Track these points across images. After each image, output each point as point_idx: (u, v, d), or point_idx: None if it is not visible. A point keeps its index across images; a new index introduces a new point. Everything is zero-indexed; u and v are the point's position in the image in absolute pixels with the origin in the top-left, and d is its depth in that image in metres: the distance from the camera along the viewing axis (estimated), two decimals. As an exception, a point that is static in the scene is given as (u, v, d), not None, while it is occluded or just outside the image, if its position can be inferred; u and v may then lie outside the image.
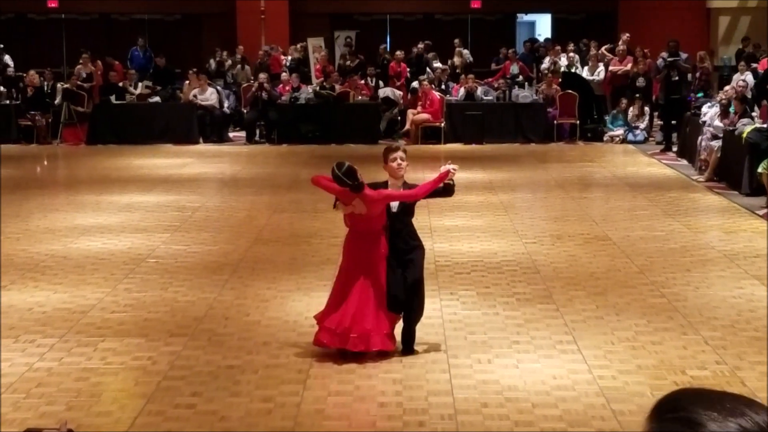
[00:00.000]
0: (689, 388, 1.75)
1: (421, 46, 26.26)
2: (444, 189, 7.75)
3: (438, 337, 7.90)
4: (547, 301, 8.95)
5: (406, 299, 7.46)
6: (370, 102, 23.25)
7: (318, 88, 23.42)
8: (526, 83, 23.84)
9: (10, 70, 24.64)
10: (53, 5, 29.56)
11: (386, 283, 7.40)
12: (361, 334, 7.30)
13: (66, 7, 29.76)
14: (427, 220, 12.94)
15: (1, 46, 25.54)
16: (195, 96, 22.81)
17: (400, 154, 7.59)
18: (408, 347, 7.53)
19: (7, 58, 25.50)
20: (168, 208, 13.92)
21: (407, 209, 7.65)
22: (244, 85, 24.60)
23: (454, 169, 7.64)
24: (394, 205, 7.56)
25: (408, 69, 25.32)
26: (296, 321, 8.38)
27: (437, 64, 25.41)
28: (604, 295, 9.20)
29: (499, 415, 6.33)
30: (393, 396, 6.66)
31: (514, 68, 24.80)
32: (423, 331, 8.05)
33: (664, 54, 21.16)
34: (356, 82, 23.57)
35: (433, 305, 8.80)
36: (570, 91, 22.76)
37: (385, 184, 7.59)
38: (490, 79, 24.43)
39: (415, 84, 24.01)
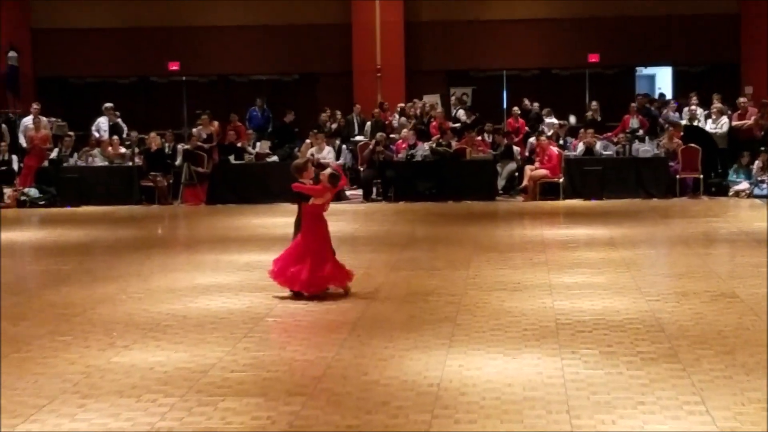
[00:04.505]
0: None
1: (536, 104, 26.26)
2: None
3: (560, 397, 7.78)
4: (673, 361, 8.75)
5: None
6: (487, 158, 23.21)
7: (434, 145, 23.51)
8: (647, 137, 23.57)
9: (132, 134, 25.25)
10: (174, 68, 30.39)
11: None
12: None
13: (186, 69, 30.55)
14: (546, 277, 12.82)
15: (110, 105, 25.97)
16: (312, 155, 23.11)
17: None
18: None
19: (119, 121, 26.05)
20: (286, 267, 14.04)
21: None
22: (361, 143, 24.85)
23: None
24: None
25: (526, 125, 25.30)
26: (414, 380, 8.34)
27: (551, 120, 25.32)
28: (733, 354, 8.96)
29: (625, 478, 6.17)
30: (514, 458, 6.55)
31: (634, 122, 24.55)
32: (544, 390, 7.94)
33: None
34: (473, 139, 23.60)
35: (554, 364, 8.68)
36: (692, 144, 22.42)
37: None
38: (609, 134, 24.23)
39: (532, 140, 23.96)
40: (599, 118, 25.16)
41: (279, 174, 23.04)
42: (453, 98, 28.27)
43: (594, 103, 25.76)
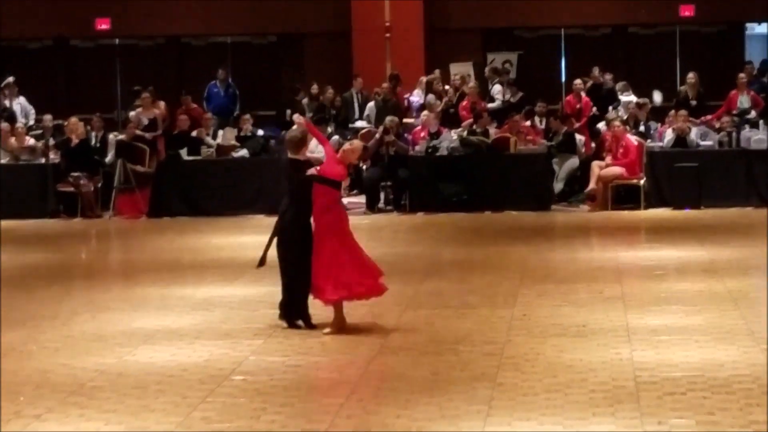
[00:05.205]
0: None
1: (608, 76, 26.20)
2: None
3: (642, 487, 7.80)
4: (799, 434, 8.76)
5: None
6: (539, 152, 23.19)
7: (465, 134, 23.51)
8: (761, 121, 23.53)
9: (46, 119, 25.24)
10: (104, 27, 30.35)
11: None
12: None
13: (120, 29, 30.51)
14: (623, 318, 12.83)
15: (11, 79, 26.01)
16: (296, 148, 23.13)
17: None
18: None
19: (23, 102, 26.01)
20: (260, 305, 14.06)
21: None
22: (363, 131, 24.80)
23: None
24: None
25: (592, 105, 25.26)
26: (440, 463, 8.36)
27: (628, 97, 25.30)
28: None
29: None
30: None
31: (743, 100, 24.52)
32: (620, 477, 7.95)
33: None
34: (518, 125, 23.60)
35: (633, 440, 8.70)
36: (825, 131, 22.44)
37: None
38: (708, 117, 24.21)
39: (601, 125, 23.95)
40: (695, 98, 25.16)
41: (249, 174, 23.05)
42: (487, 69, 28.23)
43: (691, 74, 25.71)
